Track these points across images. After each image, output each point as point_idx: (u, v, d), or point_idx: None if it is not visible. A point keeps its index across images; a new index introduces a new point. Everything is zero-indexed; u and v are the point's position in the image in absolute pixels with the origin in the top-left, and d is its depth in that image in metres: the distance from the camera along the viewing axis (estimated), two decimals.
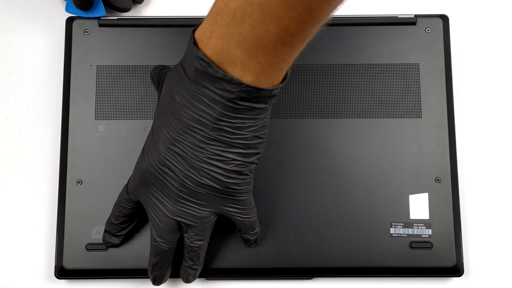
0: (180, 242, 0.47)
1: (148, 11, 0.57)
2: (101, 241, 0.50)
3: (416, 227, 0.51)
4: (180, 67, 0.40)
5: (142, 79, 0.53)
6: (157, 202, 0.44)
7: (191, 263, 0.47)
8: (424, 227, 0.51)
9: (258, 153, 0.42)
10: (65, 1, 0.56)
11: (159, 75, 0.49)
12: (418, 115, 0.53)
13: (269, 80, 0.38)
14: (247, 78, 0.37)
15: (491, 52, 0.56)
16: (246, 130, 0.40)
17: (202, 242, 0.46)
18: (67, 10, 0.54)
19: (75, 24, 0.54)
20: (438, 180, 0.52)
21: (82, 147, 0.52)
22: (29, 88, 0.55)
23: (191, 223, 0.44)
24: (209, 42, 0.37)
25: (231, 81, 0.37)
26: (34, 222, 0.53)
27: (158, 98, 0.45)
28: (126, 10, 0.55)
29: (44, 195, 0.53)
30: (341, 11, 0.56)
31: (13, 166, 0.54)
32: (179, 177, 0.42)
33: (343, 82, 0.53)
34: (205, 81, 0.38)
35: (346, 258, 0.50)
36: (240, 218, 0.46)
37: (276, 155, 0.52)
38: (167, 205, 0.44)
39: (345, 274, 0.51)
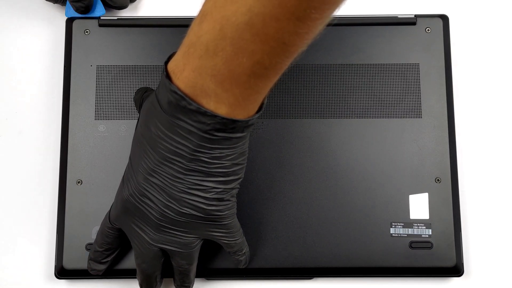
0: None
1: (148, 11, 0.57)
2: None
3: (416, 227, 0.51)
4: (154, 98, 0.40)
5: (142, 79, 0.53)
6: (139, 231, 0.44)
7: (181, 282, 0.48)
8: (424, 227, 0.51)
9: (238, 179, 0.42)
10: (64, 7, 0.56)
11: (141, 98, 0.47)
12: (418, 115, 0.53)
13: (244, 111, 0.38)
14: (222, 110, 0.37)
15: (491, 52, 0.56)
16: (224, 159, 0.40)
17: (190, 266, 0.46)
18: (66, 15, 0.54)
19: (75, 24, 0.54)
20: (438, 180, 0.52)
21: (82, 147, 0.52)
22: (29, 88, 0.55)
23: (176, 249, 0.44)
24: (182, 75, 0.37)
25: (205, 113, 0.37)
26: (34, 222, 0.53)
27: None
28: (123, 7, 0.55)
29: (44, 195, 0.53)
30: (341, 11, 0.56)
31: (13, 166, 0.54)
32: (160, 207, 0.42)
33: (343, 82, 0.53)
34: (180, 113, 0.38)
35: (346, 258, 0.50)
36: (227, 241, 0.46)
37: (276, 155, 0.52)
38: (150, 233, 0.44)
39: (345, 274, 0.51)
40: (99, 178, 0.51)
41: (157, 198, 0.41)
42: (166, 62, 0.39)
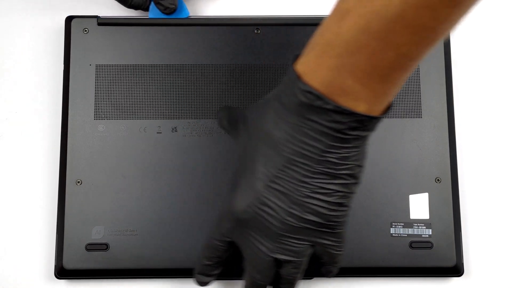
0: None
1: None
2: (101, 241, 0.50)
3: (416, 227, 0.51)
4: (274, 102, 0.40)
5: (142, 78, 0.53)
6: (255, 242, 0.43)
7: None
8: (424, 227, 0.51)
9: (358, 183, 0.41)
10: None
11: (229, 115, 0.47)
12: (418, 115, 0.53)
13: (380, 107, 0.37)
14: (360, 107, 0.36)
15: (491, 52, 0.56)
16: (350, 160, 0.39)
17: (298, 274, 0.45)
18: (151, 15, 0.54)
19: (73, 23, 0.54)
20: (438, 180, 0.52)
21: (82, 147, 0.52)
22: (29, 88, 0.55)
23: (290, 258, 0.43)
24: (316, 75, 0.36)
25: (343, 112, 0.36)
26: (34, 222, 0.53)
27: (236, 139, 0.45)
28: (140, 7, 0.54)
29: (44, 195, 0.53)
30: None
31: (13, 166, 0.54)
32: (281, 215, 0.41)
33: None
34: (312, 114, 0.37)
35: (346, 258, 0.50)
36: (333, 251, 0.44)
37: None
38: (267, 244, 0.42)
39: (345, 274, 0.51)
40: (98, 178, 0.51)
41: (278, 205, 0.40)
42: (292, 65, 0.38)
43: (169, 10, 0.53)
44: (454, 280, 0.52)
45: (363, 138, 0.39)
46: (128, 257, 0.50)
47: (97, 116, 0.52)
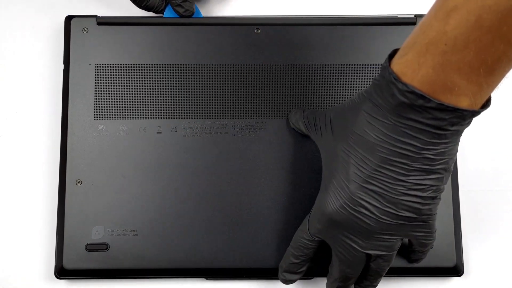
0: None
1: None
2: (101, 241, 0.50)
3: None
4: (365, 103, 0.40)
5: (142, 78, 0.53)
6: (347, 240, 0.44)
7: (371, 282, 0.47)
8: None
9: (449, 175, 0.42)
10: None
11: (306, 118, 0.49)
12: None
13: (483, 100, 0.38)
14: (464, 103, 0.37)
15: None
16: (445, 155, 0.40)
17: (387, 266, 0.46)
18: (166, 15, 0.54)
19: (73, 22, 0.53)
20: None
21: (82, 147, 0.52)
22: (29, 88, 0.55)
23: (382, 253, 0.44)
24: (416, 74, 0.37)
25: (445, 108, 0.36)
26: (34, 222, 0.53)
27: (319, 141, 0.46)
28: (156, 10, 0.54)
29: (44, 195, 0.53)
30: (341, 11, 0.57)
31: (12, 166, 0.54)
32: (376, 215, 0.41)
33: (343, 82, 0.53)
34: (410, 113, 0.38)
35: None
36: (425, 241, 0.45)
37: (276, 155, 0.52)
38: (359, 241, 0.43)
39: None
40: (98, 178, 0.51)
41: (373, 205, 0.41)
42: (388, 66, 0.38)
43: (188, 13, 0.53)
44: (454, 280, 0.52)
45: (460, 132, 0.40)
46: (128, 257, 0.50)
47: (97, 116, 0.52)
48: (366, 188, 0.41)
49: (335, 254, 0.46)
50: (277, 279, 0.51)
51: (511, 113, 0.55)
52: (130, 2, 0.54)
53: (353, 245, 0.43)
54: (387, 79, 0.38)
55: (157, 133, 0.52)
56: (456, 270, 0.51)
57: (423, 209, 0.41)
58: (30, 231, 0.53)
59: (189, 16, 0.54)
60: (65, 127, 0.52)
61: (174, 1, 0.53)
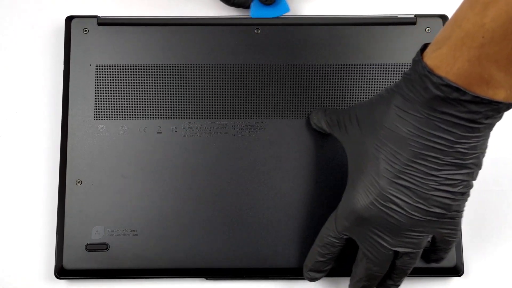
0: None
1: (147, 10, 0.57)
2: (101, 241, 0.50)
3: None
4: (395, 98, 0.40)
5: (142, 78, 0.53)
6: (375, 237, 0.43)
7: (396, 280, 0.47)
8: None
9: (479, 170, 0.42)
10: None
11: (328, 117, 0.49)
12: None
13: None
14: (500, 95, 0.37)
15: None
16: (477, 149, 0.40)
17: (414, 263, 0.45)
18: (252, 15, 0.54)
19: (74, 23, 0.54)
20: None
21: (82, 147, 0.52)
22: (29, 88, 0.55)
23: (410, 250, 0.44)
24: (452, 68, 0.37)
25: (481, 101, 0.36)
26: (34, 222, 0.53)
27: (344, 138, 0.46)
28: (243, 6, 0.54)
29: (44, 195, 0.53)
30: (341, 11, 0.57)
31: (12, 166, 0.54)
32: (406, 211, 0.41)
33: (343, 82, 0.53)
34: (444, 107, 0.38)
35: (346, 258, 0.50)
36: (450, 239, 0.45)
37: (276, 155, 0.52)
38: (388, 238, 0.43)
39: (344, 274, 0.51)
40: (98, 178, 0.51)
41: (404, 201, 0.41)
42: (421, 60, 0.38)
43: (269, 1, 0.53)
44: (454, 280, 0.52)
45: (492, 126, 0.40)
46: (128, 257, 0.50)
47: (97, 116, 0.52)
48: (397, 183, 0.41)
49: (362, 252, 0.45)
50: (278, 278, 0.51)
51: (510, 111, 0.55)
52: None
53: (382, 242, 0.43)
54: (420, 73, 0.38)
55: (157, 133, 0.52)
56: (456, 270, 0.51)
57: (453, 205, 0.41)
58: (30, 231, 0.53)
59: (270, 4, 0.53)
60: (65, 127, 0.52)
61: None
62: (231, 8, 0.56)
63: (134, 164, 0.51)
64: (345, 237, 0.46)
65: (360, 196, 0.42)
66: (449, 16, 0.54)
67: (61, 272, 0.50)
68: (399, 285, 0.47)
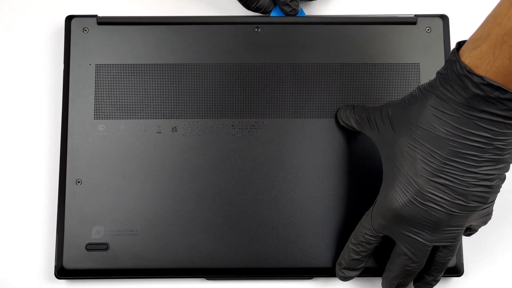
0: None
1: (147, 9, 0.57)
2: (101, 241, 0.50)
3: None
4: (431, 98, 0.41)
5: (142, 78, 0.53)
6: (413, 235, 0.44)
7: (435, 275, 0.47)
8: None
9: None
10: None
11: (357, 114, 0.49)
12: None
13: None
14: None
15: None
16: None
17: (452, 257, 0.46)
18: (272, 15, 0.54)
19: (73, 22, 0.53)
20: None
21: (82, 146, 0.52)
22: (29, 88, 0.55)
23: (449, 244, 0.44)
24: (492, 66, 0.37)
25: None
26: (34, 222, 0.53)
27: (376, 137, 0.46)
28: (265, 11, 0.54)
29: (44, 195, 0.53)
30: (341, 11, 0.57)
31: (12, 166, 0.54)
32: (445, 208, 0.41)
33: (343, 81, 0.53)
34: (483, 106, 0.38)
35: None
36: (477, 229, 0.46)
37: (276, 155, 0.52)
38: (426, 235, 0.43)
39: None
40: (98, 178, 0.51)
41: (443, 198, 0.41)
42: (458, 60, 0.39)
43: (293, 12, 0.54)
44: (454, 280, 0.52)
45: None
46: (128, 257, 0.50)
47: (97, 116, 0.52)
48: (435, 181, 0.41)
49: (399, 249, 0.45)
50: (278, 278, 0.51)
51: None
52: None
53: (420, 239, 0.43)
54: (458, 73, 0.38)
55: (157, 133, 0.52)
56: (456, 270, 0.51)
57: (490, 197, 0.42)
58: (30, 231, 0.53)
59: (294, 15, 0.54)
60: (65, 127, 0.52)
61: (282, 0, 0.53)
62: (231, 7, 0.56)
63: (134, 164, 0.51)
64: (381, 235, 0.46)
65: (397, 195, 0.43)
66: (450, 16, 0.54)
67: (61, 272, 0.50)
68: (439, 280, 0.48)
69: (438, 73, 0.41)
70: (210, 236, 0.51)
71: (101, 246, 0.50)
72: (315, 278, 0.51)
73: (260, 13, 0.54)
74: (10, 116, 0.54)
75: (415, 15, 0.54)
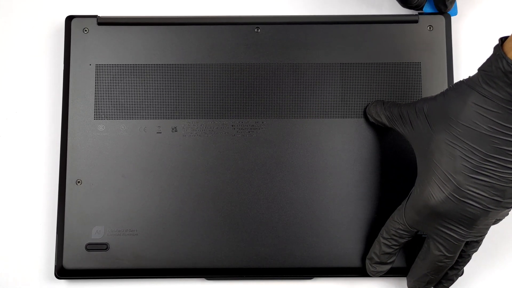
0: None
1: (147, 9, 0.57)
2: (101, 241, 0.50)
3: None
4: (472, 95, 0.41)
5: (142, 78, 0.53)
6: (448, 231, 0.44)
7: (460, 267, 0.48)
8: None
9: None
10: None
11: (388, 110, 0.49)
12: None
13: None
14: None
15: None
16: None
17: (478, 247, 0.47)
18: (425, 10, 0.54)
19: (73, 22, 0.54)
20: None
21: (82, 146, 0.52)
22: (29, 88, 0.55)
23: (480, 238, 0.45)
24: None
25: None
26: (34, 222, 0.53)
27: (410, 133, 0.46)
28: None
29: (44, 195, 0.53)
30: (343, 10, 0.56)
31: (12, 166, 0.54)
32: (483, 205, 0.42)
33: (344, 80, 0.53)
34: None
35: (346, 258, 0.50)
36: (501, 219, 0.46)
37: (276, 155, 0.52)
38: (460, 231, 0.43)
39: (345, 274, 0.51)
40: (98, 178, 0.51)
41: (481, 195, 0.41)
42: (503, 56, 0.39)
43: (448, 9, 0.53)
44: None
45: None
46: (128, 257, 0.50)
47: (97, 116, 0.52)
48: (475, 178, 0.41)
49: (432, 245, 0.45)
50: (278, 278, 0.51)
51: None
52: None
53: (455, 235, 0.44)
54: (505, 70, 0.38)
55: (157, 133, 0.52)
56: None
57: None
58: (30, 231, 0.53)
59: (445, 13, 0.54)
60: (65, 127, 0.52)
61: None
62: (231, 7, 0.56)
63: (134, 164, 0.51)
64: (414, 230, 0.46)
65: (434, 192, 0.43)
66: (451, 15, 0.54)
67: (61, 272, 0.50)
68: (462, 274, 0.48)
69: (481, 70, 0.41)
70: (210, 236, 0.51)
71: (101, 246, 0.50)
72: (315, 278, 0.51)
73: (414, 9, 0.54)
74: (10, 116, 0.55)
75: (417, 13, 0.54)
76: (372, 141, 0.52)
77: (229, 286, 0.52)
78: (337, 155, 0.52)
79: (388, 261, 0.49)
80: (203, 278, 0.51)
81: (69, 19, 0.54)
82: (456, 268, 0.48)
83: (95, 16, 0.54)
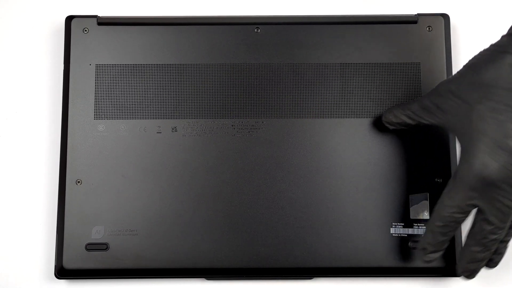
0: None
1: (147, 9, 0.57)
2: (101, 241, 0.50)
3: (416, 227, 0.51)
4: (508, 57, 0.41)
5: (142, 78, 0.53)
6: (505, 200, 0.42)
7: (508, 239, 0.47)
8: (424, 227, 0.51)
9: None
10: None
11: (407, 110, 0.48)
12: None
13: None
14: None
15: None
16: None
17: None
18: None
19: (74, 22, 0.54)
20: (438, 180, 0.51)
21: (82, 146, 0.52)
22: (29, 88, 0.55)
23: None
24: None
25: None
26: (34, 222, 0.53)
27: (442, 116, 0.45)
28: None
29: (44, 195, 0.53)
30: (342, 10, 0.56)
31: (12, 166, 0.54)
32: None
33: (344, 81, 0.53)
34: None
35: (346, 258, 0.50)
36: None
37: (276, 155, 0.52)
38: None
39: (345, 274, 0.51)
40: (98, 178, 0.51)
41: None
42: None
43: None
44: (454, 280, 0.52)
45: None
46: (128, 257, 0.50)
47: (97, 116, 0.52)
48: None
49: (486, 217, 0.44)
50: (278, 278, 0.51)
51: None
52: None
53: (510, 202, 0.42)
54: None
55: (157, 133, 0.52)
56: (453, 271, 0.50)
57: None
58: (30, 231, 0.53)
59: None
60: (65, 127, 0.52)
61: None
62: (231, 7, 0.56)
63: (134, 164, 0.51)
64: (469, 210, 0.45)
65: (487, 161, 0.41)
66: (451, 15, 0.54)
67: (61, 272, 0.50)
68: (507, 247, 0.47)
69: (510, 34, 0.41)
70: (210, 236, 0.51)
71: (101, 246, 0.50)
72: (315, 278, 0.51)
73: None
74: (10, 116, 0.55)
75: (417, 14, 0.54)
76: (372, 141, 0.52)
77: (229, 286, 0.52)
78: (337, 155, 0.52)
79: (443, 248, 0.47)
80: (203, 278, 0.51)
81: (69, 19, 0.54)
82: (504, 240, 0.46)
83: (95, 16, 0.54)
